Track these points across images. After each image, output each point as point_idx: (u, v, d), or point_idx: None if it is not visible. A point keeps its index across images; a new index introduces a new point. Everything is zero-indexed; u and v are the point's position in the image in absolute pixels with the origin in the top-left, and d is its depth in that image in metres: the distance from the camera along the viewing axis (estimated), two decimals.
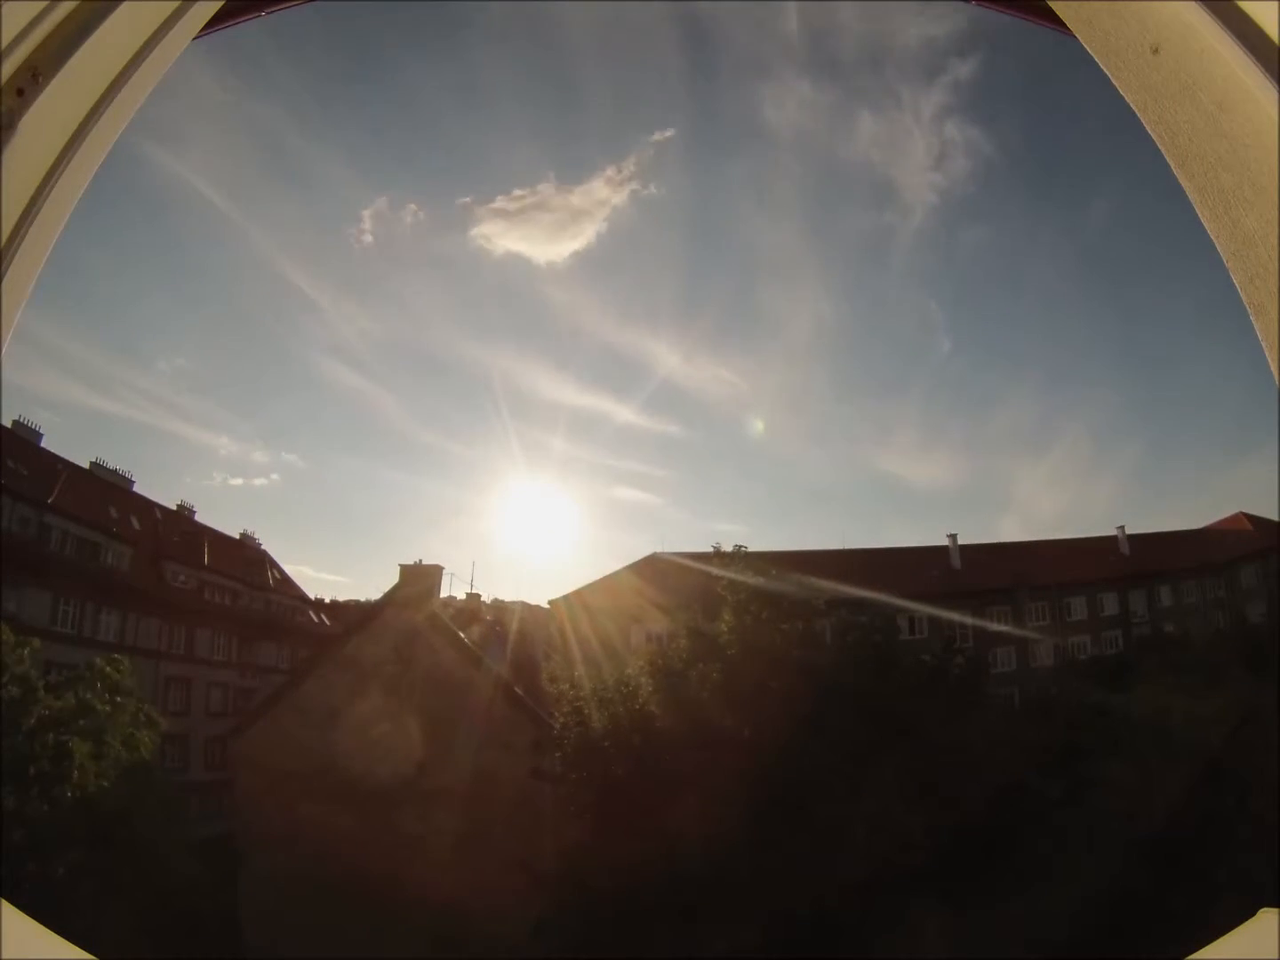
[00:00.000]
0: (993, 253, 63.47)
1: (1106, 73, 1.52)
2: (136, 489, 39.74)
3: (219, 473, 65.56)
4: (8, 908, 1.20)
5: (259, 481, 63.93)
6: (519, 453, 60.05)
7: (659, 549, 37.76)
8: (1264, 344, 1.32)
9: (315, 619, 47.74)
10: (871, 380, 73.49)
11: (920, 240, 62.90)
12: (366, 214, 61.51)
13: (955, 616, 36.93)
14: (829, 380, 74.31)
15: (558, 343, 75.76)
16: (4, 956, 1.12)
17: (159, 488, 63.69)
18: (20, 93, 1.33)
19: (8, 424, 32.24)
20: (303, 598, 48.16)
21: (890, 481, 67.71)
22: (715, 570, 20.88)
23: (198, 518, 43.36)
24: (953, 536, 43.81)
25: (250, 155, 59.97)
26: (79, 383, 60.12)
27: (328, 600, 51.68)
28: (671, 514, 68.97)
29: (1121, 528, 45.51)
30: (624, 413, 75.36)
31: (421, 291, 65.05)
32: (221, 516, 67.03)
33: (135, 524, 37.54)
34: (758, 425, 66.68)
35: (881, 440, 71.80)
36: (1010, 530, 73.94)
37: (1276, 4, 1.27)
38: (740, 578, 19.71)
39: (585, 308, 68.23)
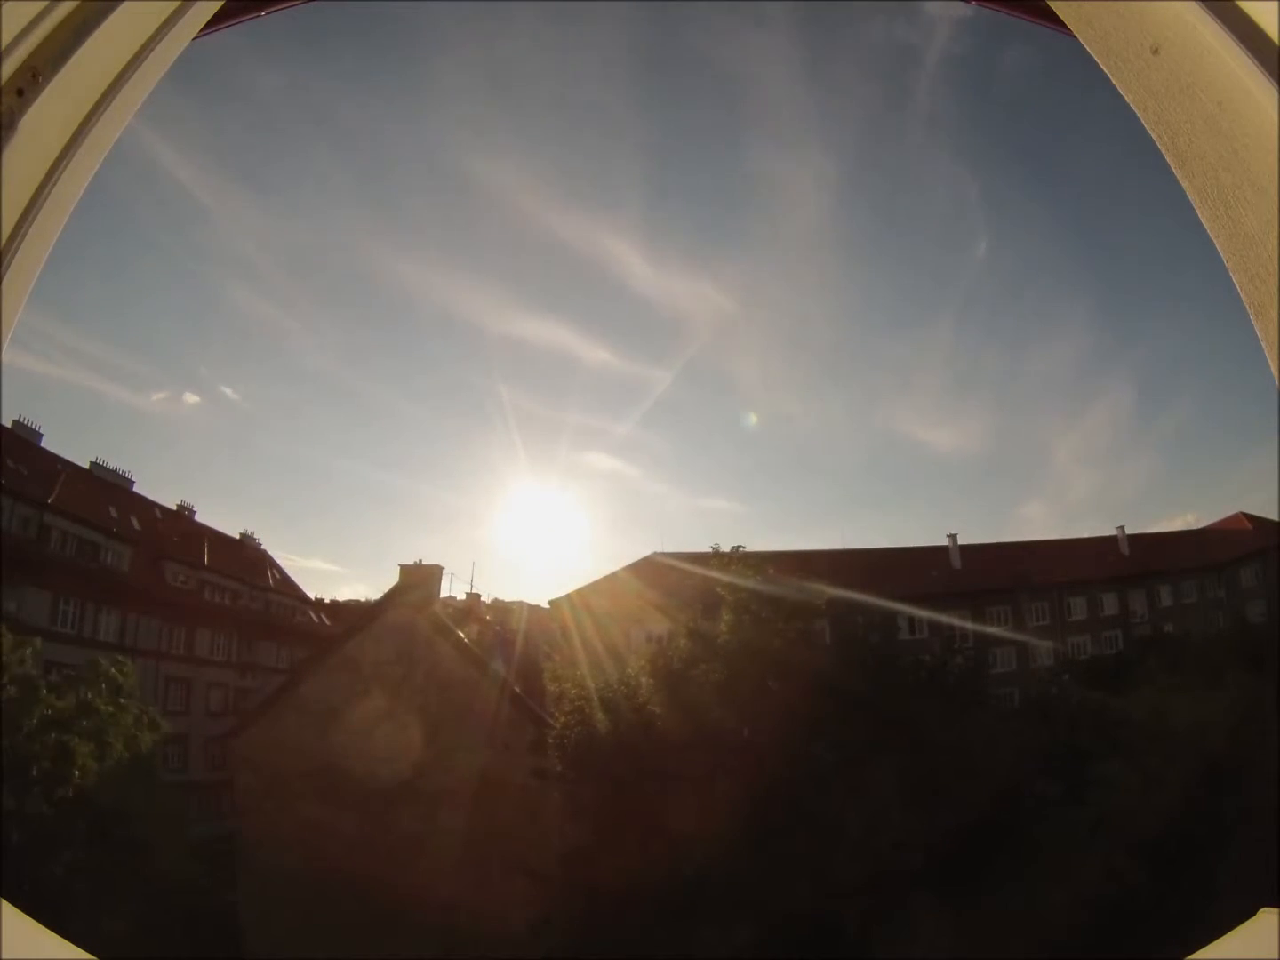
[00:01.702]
0: (1046, 84, 46.34)
1: (1106, 73, 1.52)
2: (136, 489, 39.84)
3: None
4: (8, 908, 1.20)
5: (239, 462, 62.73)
6: (497, 419, 53.32)
7: (657, 549, 37.90)
8: (1264, 344, 1.32)
9: (315, 619, 47.75)
10: (890, 303, 59.64)
11: (950, 72, 47.04)
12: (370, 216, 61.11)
13: (954, 620, 36.91)
14: (836, 303, 61.32)
15: (496, 249, 58.98)
16: (4, 956, 1.12)
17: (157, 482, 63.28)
18: (20, 93, 1.33)
19: (8, 424, 32.29)
20: (303, 598, 48.20)
21: (908, 447, 58.75)
22: (714, 573, 20.87)
23: (197, 517, 43.43)
24: (953, 536, 43.97)
25: (250, 154, 60.00)
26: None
27: (328, 600, 51.82)
28: (655, 489, 60.96)
29: (1121, 528, 45.60)
30: (590, 349, 61.06)
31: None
32: (223, 514, 67.02)
33: (135, 524, 37.55)
34: (750, 418, 61.50)
35: (900, 390, 60.91)
36: (1035, 514, 64.33)
37: (1276, 4, 1.27)
38: (740, 580, 19.70)
39: (523, 186, 52.02)
